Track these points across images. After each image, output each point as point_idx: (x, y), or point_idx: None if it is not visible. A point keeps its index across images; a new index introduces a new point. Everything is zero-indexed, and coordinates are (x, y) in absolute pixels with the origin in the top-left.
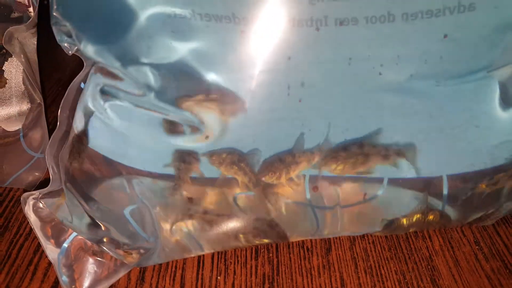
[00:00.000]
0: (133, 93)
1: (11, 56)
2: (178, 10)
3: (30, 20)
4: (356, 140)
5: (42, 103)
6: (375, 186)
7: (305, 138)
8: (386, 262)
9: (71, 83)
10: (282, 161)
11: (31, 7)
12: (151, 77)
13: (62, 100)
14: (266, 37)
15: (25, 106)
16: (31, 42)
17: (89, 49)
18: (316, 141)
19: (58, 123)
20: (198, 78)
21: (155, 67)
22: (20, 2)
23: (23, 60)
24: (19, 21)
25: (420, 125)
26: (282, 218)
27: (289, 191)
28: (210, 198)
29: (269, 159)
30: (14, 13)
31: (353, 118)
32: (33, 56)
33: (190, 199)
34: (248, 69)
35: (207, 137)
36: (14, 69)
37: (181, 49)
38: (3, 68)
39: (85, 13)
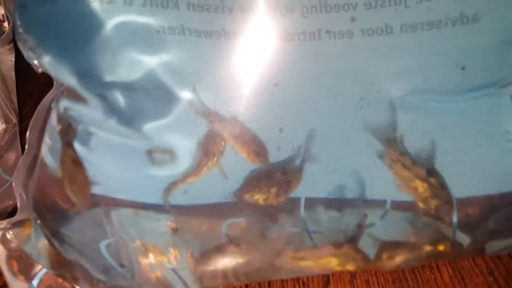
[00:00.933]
0: (95, 117)
1: None
2: (150, 21)
3: (4, 35)
4: None
5: (18, 123)
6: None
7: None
8: None
9: (40, 103)
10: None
11: (5, 21)
12: (116, 98)
13: (31, 121)
14: (255, 53)
15: (0, 126)
16: (8, 58)
17: (50, 66)
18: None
19: (26, 147)
20: (170, 98)
21: (121, 86)
22: None
23: None
24: None
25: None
26: None
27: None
28: (197, 228)
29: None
30: None
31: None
32: (10, 74)
33: (174, 230)
34: (234, 88)
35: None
36: None
37: (151, 64)
38: None
39: (46, 25)
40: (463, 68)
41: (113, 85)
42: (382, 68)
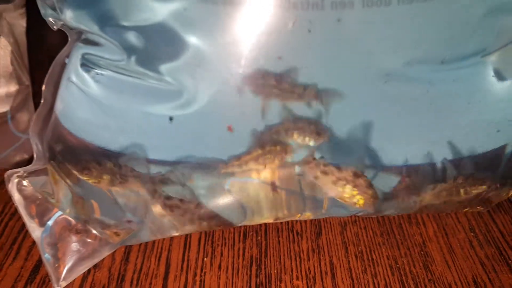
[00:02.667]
0: (113, 59)
1: None
2: None
3: (19, 1)
4: None
5: (30, 85)
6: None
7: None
8: (378, 247)
9: (55, 58)
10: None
11: None
12: (131, 41)
13: (46, 76)
14: (257, 24)
15: (13, 88)
16: (20, 23)
17: (70, 17)
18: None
19: (42, 100)
20: (181, 42)
21: (136, 29)
22: None
23: (11, 41)
24: (6, 0)
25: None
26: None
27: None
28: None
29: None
30: None
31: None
32: (22, 38)
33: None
34: (236, 39)
35: (189, 103)
36: (1, 50)
37: (163, 11)
38: None
39: None
40: (453, 39)
41: (130, 28)
42: (379, 39)
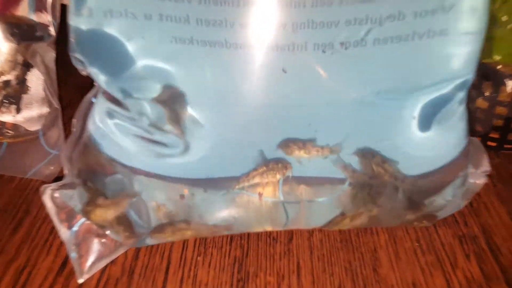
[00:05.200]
0: (129, 116)
1: (33, 67)
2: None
3: (50, 38)
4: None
5: (59, 107)
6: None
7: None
8: (337, 251)
9: (84, 98)
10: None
11: (51, 26)
12: (143, 108)
13: (77, 111)
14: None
15: (45, 110)
16: (50, 54)
17: (96, 77)
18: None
19: (73, 129)
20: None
21: (146, 100)
22: (42, 23)
23: (43, 70)
24: (41, 39)
25: None
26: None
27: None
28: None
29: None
30: (37, 32)
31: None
32: (52, 66)
33: (182, 196)
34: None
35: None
36: (35, 78)
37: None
38: (27, 77)
39: (95, 51)
40: (417, 72)
41: (140, 97)
42: (356, 75)
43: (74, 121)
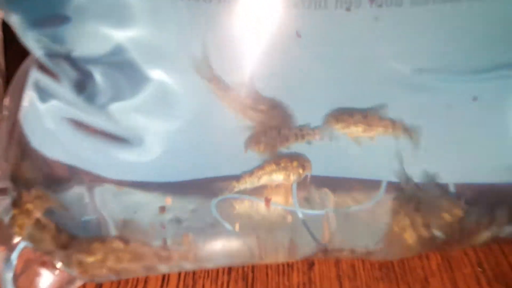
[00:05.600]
0: (65, 93)
1: None
2: None
3: None
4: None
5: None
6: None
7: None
8: (376, 282)
9: (19, 69)
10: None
11: None
12: (85, 74)
13: (10, 87)
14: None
15: None
16: None
17: (18, 28)
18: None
19: (5, 112)
20: (139, 77)
21: (89, 61)
22: None
23: None
24: None
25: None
26: None
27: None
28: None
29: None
30: None
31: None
32: None
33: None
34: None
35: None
36: None
37: (119, 38)
38: None
39: None
40: (472, 47)
41: (81, 59)
42: (390, 44)
43: (6, 100)
